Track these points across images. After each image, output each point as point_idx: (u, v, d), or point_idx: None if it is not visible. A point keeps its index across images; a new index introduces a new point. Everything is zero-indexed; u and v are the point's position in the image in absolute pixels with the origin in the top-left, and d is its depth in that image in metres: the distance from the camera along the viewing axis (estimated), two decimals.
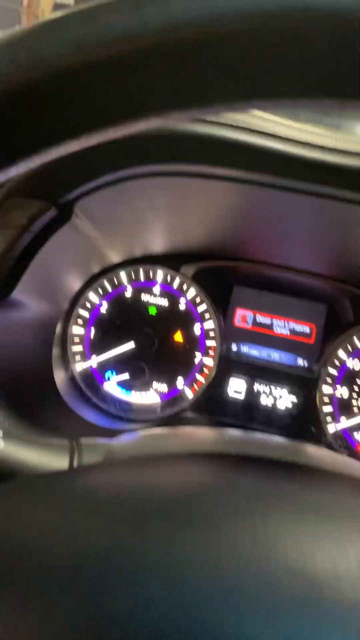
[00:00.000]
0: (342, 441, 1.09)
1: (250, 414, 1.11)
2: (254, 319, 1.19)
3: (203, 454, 0.52)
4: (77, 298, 1.12)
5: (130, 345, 1.13)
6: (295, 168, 0.70)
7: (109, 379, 1.14)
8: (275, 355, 1.17)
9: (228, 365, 1.13)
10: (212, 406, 1.12)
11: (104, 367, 1.14)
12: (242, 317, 1.20)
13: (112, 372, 1.14)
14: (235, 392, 1.13)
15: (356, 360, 1.11)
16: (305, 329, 1.19)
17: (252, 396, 1.12)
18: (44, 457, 0.60)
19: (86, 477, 0.43)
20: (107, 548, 0.29)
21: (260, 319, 1.20)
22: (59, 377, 1.05)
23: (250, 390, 1.12)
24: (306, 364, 1.16)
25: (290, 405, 1.11)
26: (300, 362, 1.16)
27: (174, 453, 0.56)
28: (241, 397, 1.12)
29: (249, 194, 0.78)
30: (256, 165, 0.71)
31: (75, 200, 0.77)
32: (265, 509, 0.34)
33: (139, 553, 0.29)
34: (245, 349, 1.17)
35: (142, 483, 0.40)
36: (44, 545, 0.30)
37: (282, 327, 1.20)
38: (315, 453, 0.76)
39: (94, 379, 1.14)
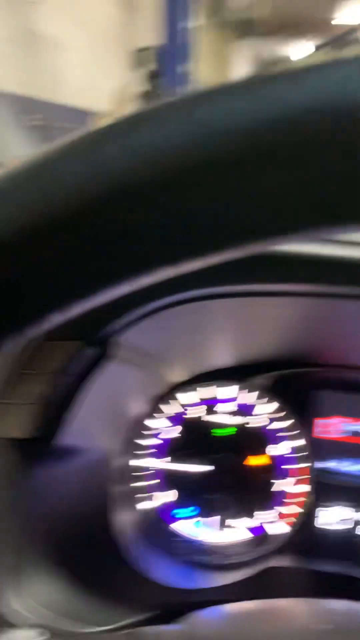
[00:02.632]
0: None
1: (353, 551, 0.91)
2: (340, 428, 1.02)
3: None
4: (139, 426, 1.00)
5: (208, 469, 0.98)
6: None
7: (178, 516, 0.99)
8: None
9: (326, 490, 0.95)
10: (306, 544, 0.93)
11: (182, 503, 1.00)
12: (324, 426, 1.02)
13: (193, 509, 0.99)
14: (335, 523, 0.93)
15: None
16: None
17: (353, 528, 0.92)
18: None
19: None
20: None
21: (348, 426, 1.01)
22: (120, 521, 0.91)
23: (351, 521, 0.93)
24: None
25: None
26: None
27: None
28: (340, 529, 0.93)
29: (325, 305, 0.66)
30: (330, 277, 0.59)
31: (113, 334, 0.68)
32: None
33: None
34: (332, 464, 0.99)
35: None
36: None
37: None
38: None
39: (159, 518, 0.99)
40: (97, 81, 6.44)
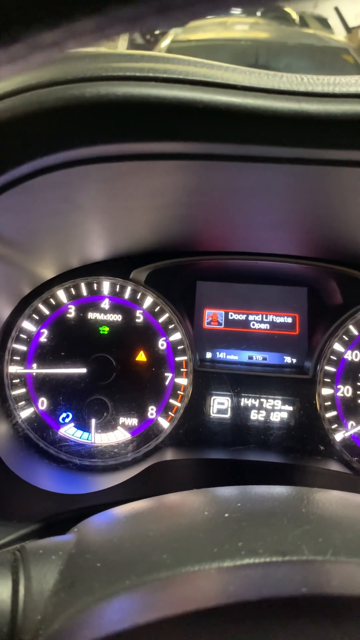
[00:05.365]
0: (354, 450, 0.91)
1: (240, 436, 0.92)
2: (226, 318, 1.00)
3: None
4: (9, 329, 0.90)
5: (81, 371, 0.92)
6: (254, 128, 0.49)
7: (64, 422, 0.93)
8: (258, 357, 0.99)
9: (205, 381, 0.94)
10: (194, 435, 0.92)
11: (56, 409, 0.93)
12: (212, 317, 1.01)
13: (67, 414, 0.93)
14: (219, 411, 0.93)
15: (356, 351, 0.93)
16: (287, 319, 1.01)
17: (239, 413, 0.93)
18: None
19: None
20: None
21: (234, 316, 1.01)
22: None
23: (236, 407, 0.93)
24: (295, 361, 0.98)
25: (286, 417, 0.92)
26: (288, 359, 0.98)
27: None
28: (227, 416, 0.93)
29: (199, 171, 0.58)
30: (205, 133, 0.50)
31: None
32: None
33: None
34: (221, 355, 0.98)
35: None
36: None
37: (259, 322, 1.01)
38: (326, 500, 0.59)
39: (46, 424, 0.93)
40: None
